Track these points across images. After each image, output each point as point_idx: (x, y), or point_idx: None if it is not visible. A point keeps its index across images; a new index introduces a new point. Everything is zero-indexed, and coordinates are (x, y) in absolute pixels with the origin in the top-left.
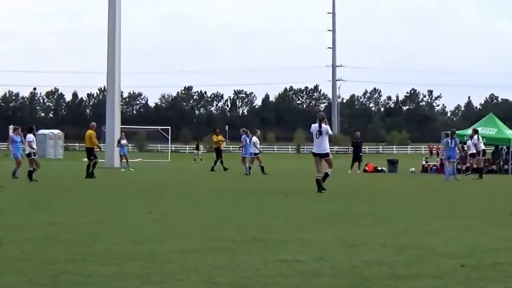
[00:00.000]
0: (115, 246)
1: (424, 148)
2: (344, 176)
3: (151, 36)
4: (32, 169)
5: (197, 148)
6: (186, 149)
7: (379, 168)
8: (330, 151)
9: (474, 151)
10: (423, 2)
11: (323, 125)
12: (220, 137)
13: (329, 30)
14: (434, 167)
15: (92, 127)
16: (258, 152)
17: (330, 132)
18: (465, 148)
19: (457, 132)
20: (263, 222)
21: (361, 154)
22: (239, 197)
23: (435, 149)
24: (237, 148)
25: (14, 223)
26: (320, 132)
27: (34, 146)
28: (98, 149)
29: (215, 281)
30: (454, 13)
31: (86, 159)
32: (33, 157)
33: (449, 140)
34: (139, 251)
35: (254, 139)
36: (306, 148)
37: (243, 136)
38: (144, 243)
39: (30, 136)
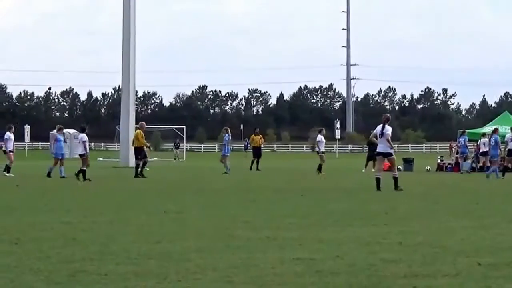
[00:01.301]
0: (131, 245)
1: (440, 146)
2: (359, 175)
3: (166, 35)
4: (84, 168)
5: (176, 146)
6: (201, 149)
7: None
8: (344, 150)
9: (487, 150)
10: (438, 0)
11: (386, 126)
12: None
13: (343, 29)
14: (449, 166)
15: (141, 126)
16: (322, 151)
17: (389, 133)
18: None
19: (471, 131)
20: (279, 220)
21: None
22: (254, 196)
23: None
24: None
25: (30, 222)
26: (382, 134)
27: (87, 146)
28: (148, 148)
29: (231, 280)
30: (469, 11)
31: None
32: (86, 156)
33: (491, 139)
34: (155, 250)
35: (319, 137)
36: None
37: (225, 135)
38: (160, 242)
39: (84, 136)
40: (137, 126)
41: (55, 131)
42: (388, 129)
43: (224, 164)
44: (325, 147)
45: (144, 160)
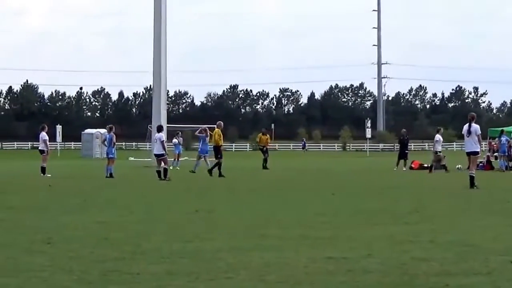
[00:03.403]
0: (163, 245)
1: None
2: (390, 174)
3: (197, 34)
4: (166, 167)
5: None
6: (232, 148)
7: (425, 165)
8: (375, 149)
9: None
10: None
11: (472, 124)
12: (267, 137)
13: (374, 28)
14: (481, 164)
15: (219, 126)
16: (439, 150)
17: (478, 132)
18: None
19: (506, 129)
20: (310, 219)
21: (407, 151)
22: (285, 195)
23: (494, 146)
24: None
25: (63, 222)
26: (469, 132)
27: (165, 145)
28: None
29: (264, 279)
30: (499, 10)
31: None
32: (164, 156)
33: None
34: (187, 249)
35: (438, 137)
36: (352, 146)
37: (202, 135)
38: (192, 241)
39: (161, 136)
40: (214, 126)
41: (104, 131)
42: (477, 128)
43: (196, 162)
44: (359, 145)
45: (219, 161)
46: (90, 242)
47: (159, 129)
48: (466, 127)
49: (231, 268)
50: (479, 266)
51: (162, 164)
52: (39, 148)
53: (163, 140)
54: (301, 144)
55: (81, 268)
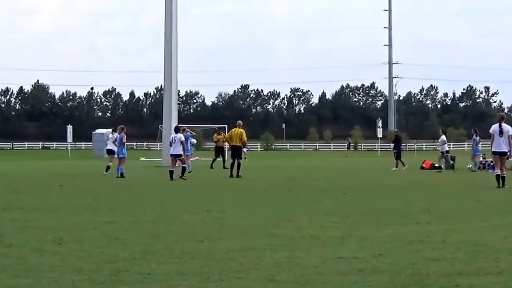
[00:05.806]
0: (174, 245)
1: (481, 144)
2: (400, 173)
3: (208, 34)
4: (184, 165)
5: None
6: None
7: (437, 165)
8: (386, 148)
9: None
10: None
11: (503, 124)
12: (221, 136)
13: (385, 28)
14: (491, 164)
15: (238, 126)
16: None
17: (510, 133)
18: None
19: None
20: (321, 219)
21: (395, 151)
22: (296, 195)
23: None
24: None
25: (73, 222)
26: (501, 132)
27: (184, 145)
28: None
29: (274, 279)
30: (510, 9)
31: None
32: (182, 156)
33: None
34: (198, 249)
35: (443, 138)
36: (364, 146)
37: (186, 134)
38: (203, 241)
39: (181, 136)
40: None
41: (116, 133)
42: (510, 129)
43: (187, 164)
44: (370, 145)
45: (238, 161)
46: (100, 242)
47: (177, 129)
48: (496, 127)
49: (242, 268)
50: (490, 266)
51: (178, 163)
52: (112, 148)
53: (183, 141)
54: (345, 144)
55: (92, 268)
